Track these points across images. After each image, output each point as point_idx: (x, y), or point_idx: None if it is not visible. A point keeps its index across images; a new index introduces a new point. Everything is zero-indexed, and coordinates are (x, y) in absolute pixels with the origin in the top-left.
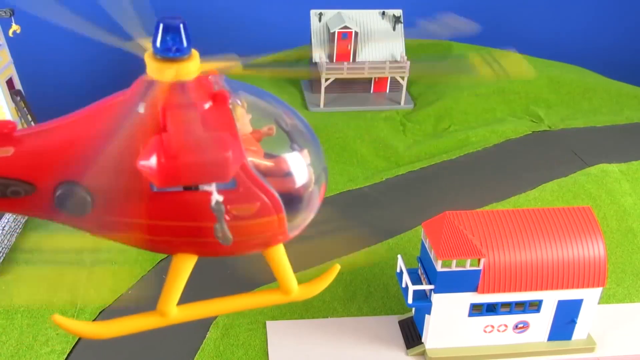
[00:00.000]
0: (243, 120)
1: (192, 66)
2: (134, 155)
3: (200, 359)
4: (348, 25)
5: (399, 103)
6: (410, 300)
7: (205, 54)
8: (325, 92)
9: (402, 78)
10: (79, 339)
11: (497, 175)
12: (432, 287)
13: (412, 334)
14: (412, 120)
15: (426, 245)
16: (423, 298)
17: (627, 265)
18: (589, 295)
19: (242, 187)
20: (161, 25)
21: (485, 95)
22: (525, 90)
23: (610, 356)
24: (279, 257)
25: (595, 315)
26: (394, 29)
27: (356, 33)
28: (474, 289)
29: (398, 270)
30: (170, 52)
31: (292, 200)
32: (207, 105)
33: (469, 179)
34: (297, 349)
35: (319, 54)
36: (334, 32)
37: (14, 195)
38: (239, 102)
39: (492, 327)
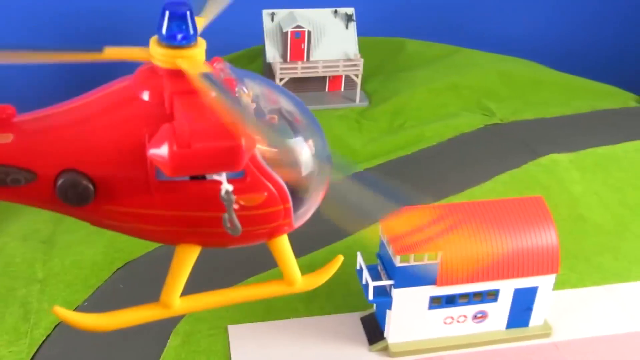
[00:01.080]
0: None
1: (198, 54)
2: (138, 143)
3: None
4: (301, 24)
5: (354, 101)
6: (371, 297)
7: None
8: None
9: (357, 76)
10: (33, 356)
11: (452, 168)
12: (391, 282)
13: (374, 330)
14: (368, 118)
15: (384, 241)
16: (383, 294)
17: (578, 251)
18: (543, 282)
19: (250, 176)
20: (167, 12)
21: (439, 90)
22: (477, 84)
23: (566, 340)
24: (284, 247)
25: (551, 301)
26: (346, 27)
27: (309, 32)
28: (432, 282)
29: (358, 267)
30: (176, 40)
31: (297, 190)
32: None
33: (425, 173)
34: (259, 352)
35: (272, 54)
36: (287, 32)
37: (14, 183)
38: (245, 90)
39: (452, 318)
